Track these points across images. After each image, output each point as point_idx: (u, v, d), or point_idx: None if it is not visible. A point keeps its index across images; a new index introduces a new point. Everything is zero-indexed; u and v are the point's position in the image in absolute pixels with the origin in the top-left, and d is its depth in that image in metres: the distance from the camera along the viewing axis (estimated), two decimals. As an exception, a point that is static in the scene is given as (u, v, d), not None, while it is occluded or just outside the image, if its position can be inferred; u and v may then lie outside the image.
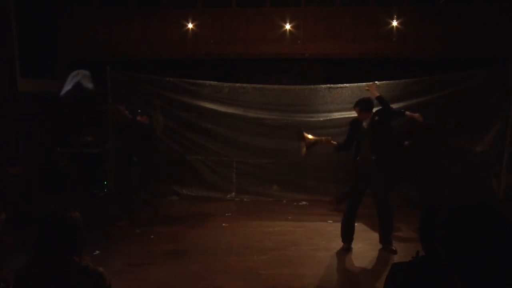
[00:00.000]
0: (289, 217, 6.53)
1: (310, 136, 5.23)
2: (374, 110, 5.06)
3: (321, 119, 7.07)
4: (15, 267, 2.06)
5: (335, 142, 5.20)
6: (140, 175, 6.10)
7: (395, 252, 4.99)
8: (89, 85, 5.98)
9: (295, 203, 7.33)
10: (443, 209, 1.58)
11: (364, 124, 5.03)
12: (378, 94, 5.12)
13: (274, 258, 4.92)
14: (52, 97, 7.79)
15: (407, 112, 5.83)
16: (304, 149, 5.23)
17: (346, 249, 5.16)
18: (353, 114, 6.37)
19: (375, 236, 5.30)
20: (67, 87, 5.83)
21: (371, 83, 5.38)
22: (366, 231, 5.76)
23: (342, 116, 6.60)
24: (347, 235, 5.19)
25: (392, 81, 6.47)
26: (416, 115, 5.87)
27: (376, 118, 4.99)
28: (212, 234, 5.84)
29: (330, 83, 6.99)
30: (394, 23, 7.81)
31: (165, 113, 7.39)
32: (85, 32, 8.11)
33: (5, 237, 3.36)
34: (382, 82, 6.49)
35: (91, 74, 5.85)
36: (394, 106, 5.51)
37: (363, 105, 5.01)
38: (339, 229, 5.25)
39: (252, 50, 8.09)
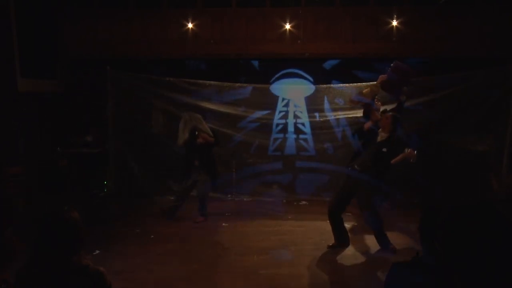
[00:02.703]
0: (289, 217, 6.53)
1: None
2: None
3: (321, 119, 7.09)
4: (15, 267, 2.06)
5: (372, 121, 5.10)
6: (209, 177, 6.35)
7: (394, 252, 4.97)
8: (203, 126, 6.17)
9: (295, 203, 7.33)
10: (443, 209, 1.58)
11: (379, 136, 5.01)
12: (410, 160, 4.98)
13: (274, 258, 4.92)
14: (52, 97, 7.80)
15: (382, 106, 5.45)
16: (369, 92, 5.12)
17: (340, 246, 5.18)
18: (353, 114, 6.33)
19: (374, 236, 5.29)
20: (184, 135, 6.03)
21: (413, 153, 4.99)
22: (365, 231, 5.74)
23: (342, 116, 6.60)
24: (340, 235, 5.21)
25: (392, 81, 6.45)
26: (379, 79, 5.21)
27: (384, 149, 4.94)
28: (212, 234, 5.84)
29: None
30: (394, 23, 7.80)
31: (165, 113, 7.39)
32: (85, 32, 8.10)
33: (13, 239, 3.33)
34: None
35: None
36: (393, 106, 5.41)
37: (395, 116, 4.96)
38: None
39: (252, 50, 8.08)
